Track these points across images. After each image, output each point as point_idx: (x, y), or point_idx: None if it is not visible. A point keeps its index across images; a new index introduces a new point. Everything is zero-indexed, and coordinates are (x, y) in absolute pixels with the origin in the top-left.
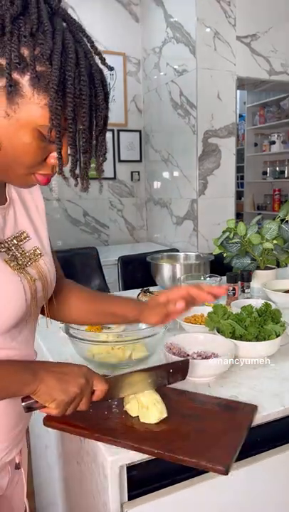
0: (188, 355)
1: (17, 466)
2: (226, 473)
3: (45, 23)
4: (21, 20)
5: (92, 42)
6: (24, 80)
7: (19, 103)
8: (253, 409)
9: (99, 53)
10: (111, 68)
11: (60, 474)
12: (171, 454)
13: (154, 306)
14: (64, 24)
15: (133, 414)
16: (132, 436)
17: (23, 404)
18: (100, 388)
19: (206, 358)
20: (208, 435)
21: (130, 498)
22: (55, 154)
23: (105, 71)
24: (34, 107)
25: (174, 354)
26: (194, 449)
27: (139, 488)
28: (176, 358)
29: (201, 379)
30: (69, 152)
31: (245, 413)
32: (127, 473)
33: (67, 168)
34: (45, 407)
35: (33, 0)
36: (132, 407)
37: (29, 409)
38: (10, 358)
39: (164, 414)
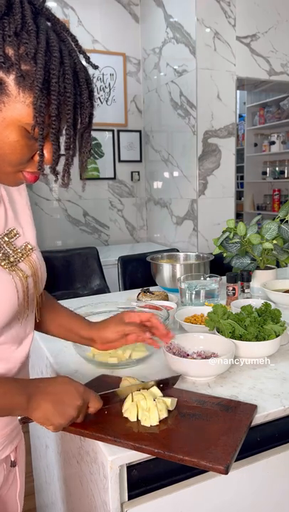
0: (188, 355)
1: (12, 464)
2: (226, 472)
3: (29, 22)
4: (5, 20)
5: (77, 41)
6: (9, 79)
7: (5, 102)
8: (252, 409)
9: (83, 52)
10: (95, 67)
11: (60, 474)
12: (171, 453)
13: (116, 323)
14: (48, 24)
15: (132, 420)
16: (132, 436)
17: (19, 418)
18: (94, 407)
19: (206, 357)
20: (208, 435)
21: (130, 497)
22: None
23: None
24: (19, 106)
25: (174, 354)
26: (194, 448)
27: (139, 487)
28: (176, 358)
29: (200, 379)
30: (53, 150)
31: (245, 413)
32: (127, 472)
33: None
34: None
35: (16, 0)
36: (132, 413)
37: (24, 422)
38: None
39: (165, 414)
